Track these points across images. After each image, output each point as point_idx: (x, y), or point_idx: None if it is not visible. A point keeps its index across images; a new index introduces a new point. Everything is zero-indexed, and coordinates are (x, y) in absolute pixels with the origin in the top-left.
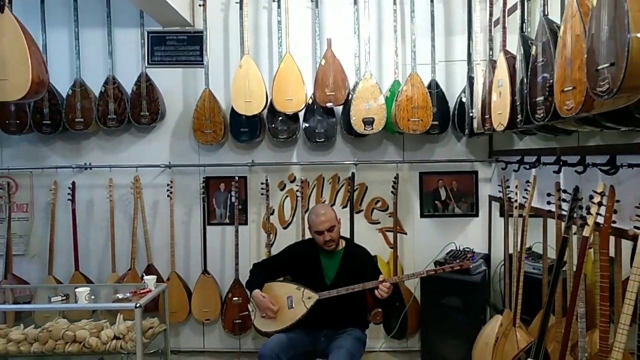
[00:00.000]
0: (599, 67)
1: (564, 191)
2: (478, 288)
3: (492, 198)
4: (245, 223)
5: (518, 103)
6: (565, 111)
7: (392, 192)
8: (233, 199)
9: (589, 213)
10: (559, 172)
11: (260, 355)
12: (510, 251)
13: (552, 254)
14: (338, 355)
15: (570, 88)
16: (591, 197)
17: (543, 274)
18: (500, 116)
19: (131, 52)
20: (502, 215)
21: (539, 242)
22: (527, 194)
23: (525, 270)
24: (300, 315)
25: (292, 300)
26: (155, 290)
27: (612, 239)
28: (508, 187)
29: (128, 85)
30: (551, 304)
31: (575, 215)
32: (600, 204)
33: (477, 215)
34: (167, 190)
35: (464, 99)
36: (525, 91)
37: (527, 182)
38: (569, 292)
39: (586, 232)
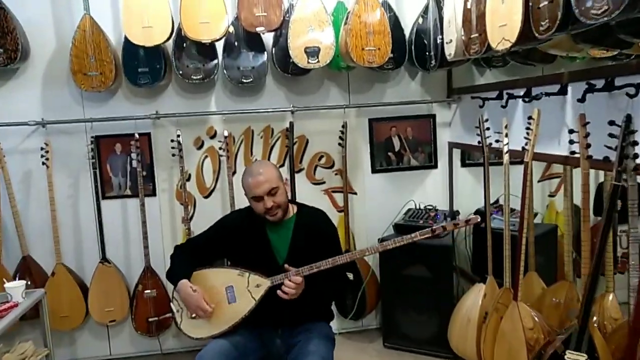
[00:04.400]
0: None
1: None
2: (447, 253)
3: (452, 145)
4: (154, 194)
5: (545, 3)
6: None
7: (339, 144)
8: (134, 163)
9: None
10: (582, 100)
11: None
12: (478, 205)
13: (516, 204)
14: None
15: None
16: None
17: (529, 231)
18: (504, 29)
19: None
20: (464, 164)
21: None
22: (528, 134)
23: (494, 227)
24: (246, 312)
25: (234, 291)
26: (26, 302)
27: None
28: (488, 128)
29: None
30: (598, 272)
31: (629, 154)
32: None
33: (435, 166)
34: (42, 156)
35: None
36: None
37: (530, 118)
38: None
39: None
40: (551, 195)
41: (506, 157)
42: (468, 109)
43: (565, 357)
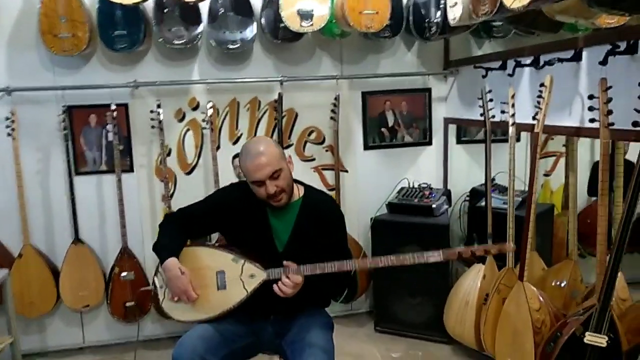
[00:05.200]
0: None
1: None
2: (443, 232)
3: (448, 121)
4: (131, 169)
5: None
6: None
7: (331, 117)
8: (110, 136)
9: None
10: (604, 63)
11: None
12: (473, 184)
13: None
14: None
15: None
16: None
17: (531, 210)
18: None
19: None
20: (459, 141)
21: (504, 172)
22: (539, 103)
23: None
24: (235, 302)
25: (225, 277)
26: None
27: None
28: (491, 100)
29: None
30: (623, 249)
31: None
32: None
33: (430, 143)
34: (7, 127)
35: None
36: None
37: (542, 85)
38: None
39: None
40: (546, 175)
41: (512, 130)
42: (466, 82)
43: (585, 339)
